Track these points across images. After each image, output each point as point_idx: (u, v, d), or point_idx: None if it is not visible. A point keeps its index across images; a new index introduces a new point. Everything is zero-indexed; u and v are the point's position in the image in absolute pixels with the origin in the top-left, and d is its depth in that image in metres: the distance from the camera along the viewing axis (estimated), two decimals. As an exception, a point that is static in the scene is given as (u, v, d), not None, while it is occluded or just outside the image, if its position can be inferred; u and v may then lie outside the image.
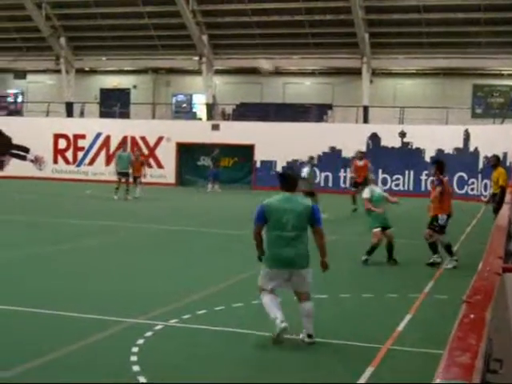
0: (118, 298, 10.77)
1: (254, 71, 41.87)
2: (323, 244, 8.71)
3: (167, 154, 38.51)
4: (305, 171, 23.22)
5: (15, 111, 47.10)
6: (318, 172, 34.76)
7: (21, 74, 46.45)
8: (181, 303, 10.40)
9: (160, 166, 38.79)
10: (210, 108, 41.22)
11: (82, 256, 14.74)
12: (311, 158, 26.00)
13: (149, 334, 8.68)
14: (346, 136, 36.26)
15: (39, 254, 14.75)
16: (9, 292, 11.01)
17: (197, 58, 40.60)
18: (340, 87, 40.95)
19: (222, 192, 34.35)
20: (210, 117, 40.89)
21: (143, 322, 9.22)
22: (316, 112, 39.61)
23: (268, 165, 37.16)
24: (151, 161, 38.60)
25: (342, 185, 35.85)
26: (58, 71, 43.52)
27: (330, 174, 36.36)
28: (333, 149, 36.32)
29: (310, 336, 8.47)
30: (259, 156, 37.47)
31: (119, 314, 9.62)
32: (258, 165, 37.55)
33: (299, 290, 8.64)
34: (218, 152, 35.91)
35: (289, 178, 8.94)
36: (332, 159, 36.15)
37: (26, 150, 40.90)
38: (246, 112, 40.50)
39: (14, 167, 40.56)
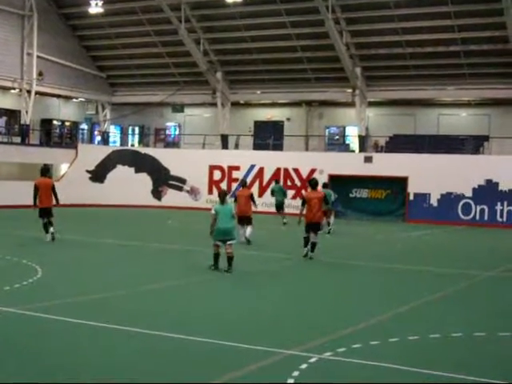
0: (272, 327, 10.83)
1: (407, 103, 41.44)
2: None
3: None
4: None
5: (173, 143, 48.77)
6: (473, 205, 34.59)
7: (179, 108, 47.91)
8: (336, 335, 10.30)
9: (312, 197, 38.78)
10: (363, 140, 41.09)
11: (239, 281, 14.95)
12: None
13: (303, 366, 8.62)
14: (504, 168, 35.21)
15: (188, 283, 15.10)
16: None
17: (350, 91, 40.65)
18: (497, 118, 39.78)
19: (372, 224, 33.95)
20: (362, 149, 40.76)
21: (298, 354, 9.17)
22: (472, 144, 38.60)
23: (422, 197, 36.55)
24: (303, 192, 38.81)
25: (499, 219, 34.81)
26: (214, 104, 44.72)
27: (485, 208, 35.27)
28: (489, 182, 35.25)
29: None
30: (412, 188, 36.90)
31: (273, 344, 9.64)
32: (412, 197, 36.98)
33: None
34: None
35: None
36: (488, 192, 35.09)
37: (183, 181, 42.21)
38: (399, 144, 40.06)
39: (172, 198, 41.95)
